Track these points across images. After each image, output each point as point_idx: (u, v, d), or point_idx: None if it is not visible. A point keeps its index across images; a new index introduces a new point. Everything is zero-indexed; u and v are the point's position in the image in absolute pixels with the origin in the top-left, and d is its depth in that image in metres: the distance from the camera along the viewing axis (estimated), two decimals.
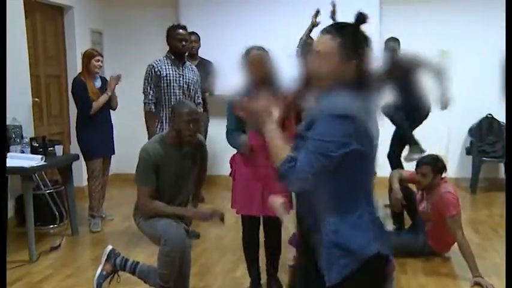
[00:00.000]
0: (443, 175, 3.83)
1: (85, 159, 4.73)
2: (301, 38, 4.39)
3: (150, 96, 4.21)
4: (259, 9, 6.17)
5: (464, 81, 5.76)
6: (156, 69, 4.16)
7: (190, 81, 4.27)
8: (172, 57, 4.22)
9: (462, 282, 3.51)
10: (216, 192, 5.84)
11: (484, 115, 6.17)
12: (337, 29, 1.76)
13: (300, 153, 1.69)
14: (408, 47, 4.77)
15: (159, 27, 4.32)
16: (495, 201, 5.68)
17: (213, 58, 5.59)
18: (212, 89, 5.51)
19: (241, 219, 3.29)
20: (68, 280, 3.61)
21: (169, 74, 4.17)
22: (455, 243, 3.66)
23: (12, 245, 4.26)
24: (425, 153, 4.42)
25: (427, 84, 4.04)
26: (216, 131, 4.57)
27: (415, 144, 4.90)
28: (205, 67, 5.35)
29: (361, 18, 1.74)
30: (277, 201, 2.13)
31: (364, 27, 1.76)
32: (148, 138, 4.24)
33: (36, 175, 4.57)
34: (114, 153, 4.94)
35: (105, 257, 3.22)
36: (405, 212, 4.27)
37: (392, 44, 5.05)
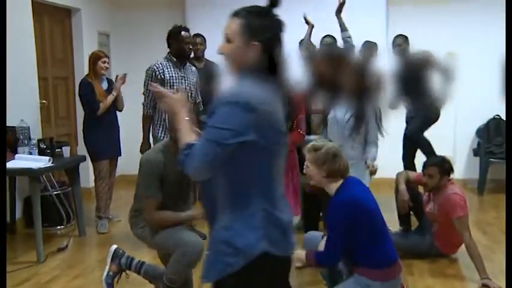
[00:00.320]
0: (451, 176, 3.81)
1: (92, 161, 4.75)
2: (303, 40, 4.41)
3: (149, 100, 4.19)
4: None
5: (472, 82, 5.74)
6: (158, 73, 4.11)
7: (191, 82, 4.27)
8: (174, 59, 4.19)
9: (469, 284, 3.49)
10: None
11: (492, 116, 6.13)
12: (243, 10, 1.71)
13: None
14: (415, 48, 4.75)
15: (165, 29, 4.30)
16: (503, 203, 5.57)
17: (219, 60, 5.57)
18: (217, 91, 5.50)
19: None
20: (75, 281, 3.63)
21: (172, 76, 4.15)
22: (463, 245, 3.64)
23: (20, 246, 4.29)
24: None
25: (433, 85, 4.01)
26: None
27: (427, 147, 4.88)
28: (211, 69, 5.35)
29: (273, 1, 1.68)
30: None
31: (279, 12, 1.69)
32: (143, 142, 4.25)
33: (43, 176, 4.59)
34: (120, 154, 4.96)
35: (111, 257, 3.22)
36: (412, 214, 4.26)
37: (399, 40, 5.01)
